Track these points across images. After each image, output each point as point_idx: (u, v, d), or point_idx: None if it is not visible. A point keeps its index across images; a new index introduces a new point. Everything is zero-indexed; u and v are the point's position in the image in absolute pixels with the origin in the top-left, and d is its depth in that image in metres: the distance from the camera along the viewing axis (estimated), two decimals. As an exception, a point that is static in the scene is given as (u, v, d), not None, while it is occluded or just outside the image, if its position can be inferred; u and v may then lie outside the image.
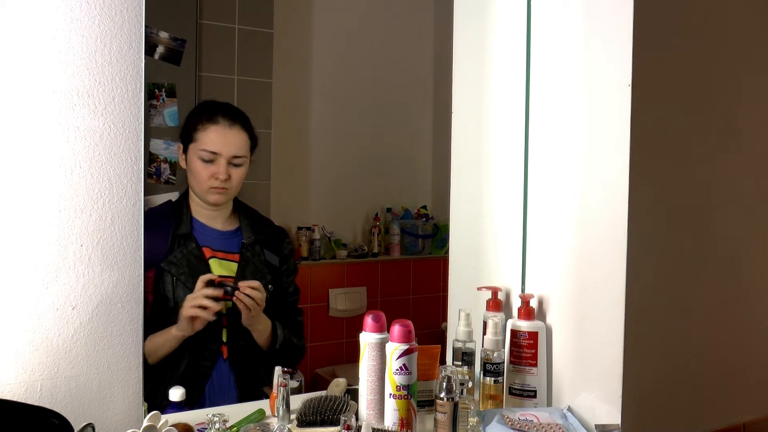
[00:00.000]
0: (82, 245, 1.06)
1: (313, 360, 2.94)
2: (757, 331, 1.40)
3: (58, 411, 0.98)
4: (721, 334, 1.33)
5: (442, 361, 1.33)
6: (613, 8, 1.16)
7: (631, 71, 1.11)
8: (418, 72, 3.35)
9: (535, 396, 1.27)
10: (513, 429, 1.12)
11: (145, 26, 1.10)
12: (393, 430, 1.09)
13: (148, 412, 1.05)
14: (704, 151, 1.28)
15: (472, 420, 1.16)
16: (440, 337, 2.37)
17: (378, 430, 1.08)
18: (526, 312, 1.28)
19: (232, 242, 1.64)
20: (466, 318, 1.32)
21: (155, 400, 1.30)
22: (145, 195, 1.12)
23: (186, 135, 1.62)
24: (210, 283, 1.48)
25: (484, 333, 1.31)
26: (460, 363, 1.30)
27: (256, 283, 1.51)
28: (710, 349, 1.31)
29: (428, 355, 1.24)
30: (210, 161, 1.57)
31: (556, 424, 1.15)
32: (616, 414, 1.14)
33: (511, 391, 1.28)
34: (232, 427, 1.14)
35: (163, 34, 2.62)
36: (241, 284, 1.49)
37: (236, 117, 1.62)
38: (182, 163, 1.64)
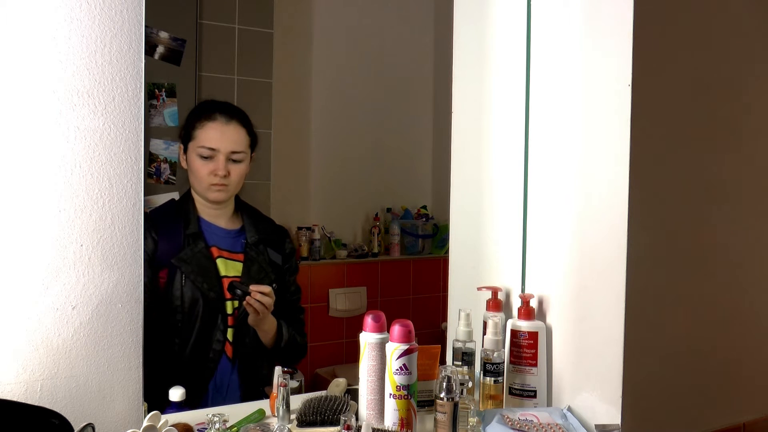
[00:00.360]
0: (82, 245, 1.06)
1: (313, 360, 2.94)
2: (757, 331, 1.40)
3: (58, 411, 0.98)
4: (721, 334, 1.33)
5: (442, 361, 1.33)
6: (613, 8, 1.16)
7: (631, 71, 1.11)
8: (418, 72, 3.35)
9: (535, 396, 1.27)
10: (513, 429, 1.12)
11: (145, 26, 1.10)
12: (393, 430, 1.09)
13: (148, 412, 1.05)
14: (704, 150, 1.28)
15: (472, 420, 1.16)
16: (440, 337, 2.37)
17: (378, 430, 1.08)
18: (526, 312, 1.28)
19: (236, 241, 1.65)
20: (466, 318, 1.32)
21: (155, 400, 1.30)
22: (145, 195, 1.13)
23: (185, 134, 1.62)
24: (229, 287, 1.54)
25: (484, 333, 1.31)
26: (460, 363, 1.30)
27: (267, 289, 1.53)
28: (710, 349, 1.31)
29: (428, 355, 1.24)
30: (209, 158, 1.57)
31: (556, 424, 1.15)
32: (616, 414, 1.14)
33: (511, 391, 1.28)
34: (232, 427, 1.14)
35: (163, 34, 2.62)
36: (252, 288, 1.51)
37: (234, 113, 1.63)
38: (183, 163, 1.64)
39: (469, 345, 1.31)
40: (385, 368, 1.12)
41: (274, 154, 2.90)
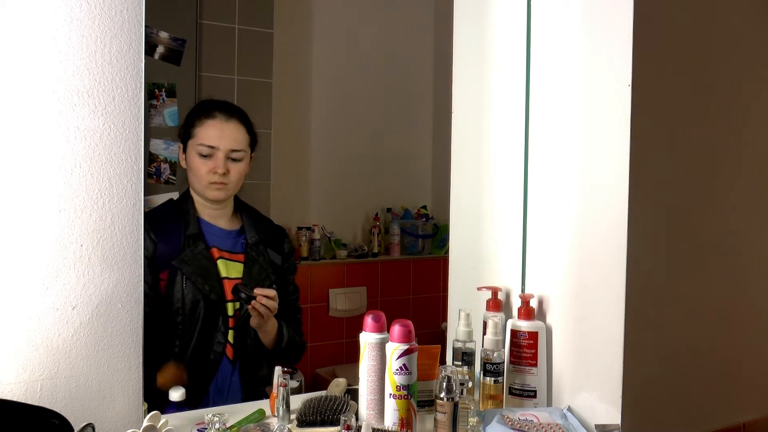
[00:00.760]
0: (82, 245, 1.06)
1: (313, 360, 2.94)
2: (757, 331, 1.40)
3: (58, 411, 0.98)
4: (721, 334, 1.33)
5: (442, 361, 1.33)
6: (613, 8, 1.16)
7: (631, 71, 1.11)
8: (418, 72, 3.35)
9: (535, 396, 1.27)
10: (513, 429, 1.12)
11: (145, 26, 1.10)
12: (393, 430, 1.09)
13: (148, 412, 1.05)
14: (704, 150, 1.28)
15: (472, 420, 1.16)
16: (440, 337, 2.37)
17: (378, 430, 1.08)
18: (526, 312, 1.28)
19: (237, 242, 1.65)
20: (466, 318, 1.32)
21: (155, 400, 1.30)
22: (145, 195, 1.12)
23: (185, 133, 1.62)
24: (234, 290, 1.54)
25: (484, 333, 1.31)
26: (460, 363, 1.30)
27: (272, 293, 1.53)
28: (710, 349, 1.31)
29: (428, 355, 1.24)
30: (208, 156, 1.57)
31: (556, 424, 1.15)
32: (616, 414, 1.14)
33: (511, 391, 1.28)
34: (232, 427, 1.14)
35: (163, 34, 2.62)
36: (257, 292, 1.51)
37: (234, 112, 1.62)
38: (182, 163, 1.64)
39: (469, 345, 1.31)
40: (385, 368, 1.12)
41: (274, 154, 2.90)
